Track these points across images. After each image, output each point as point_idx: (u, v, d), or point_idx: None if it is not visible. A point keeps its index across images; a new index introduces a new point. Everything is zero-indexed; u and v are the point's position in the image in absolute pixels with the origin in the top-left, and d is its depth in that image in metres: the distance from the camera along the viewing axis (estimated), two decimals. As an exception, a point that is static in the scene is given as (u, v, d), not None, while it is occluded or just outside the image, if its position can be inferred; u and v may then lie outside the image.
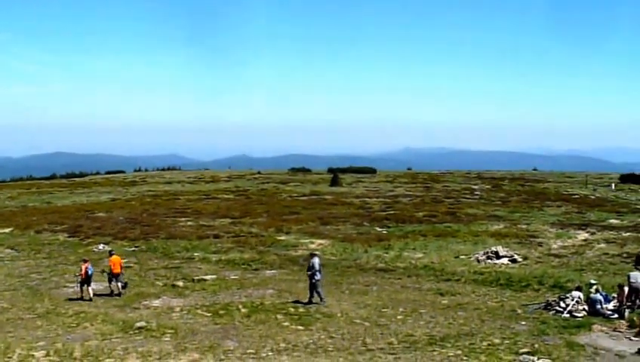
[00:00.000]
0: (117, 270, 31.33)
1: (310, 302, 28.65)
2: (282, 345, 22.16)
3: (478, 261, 40.45)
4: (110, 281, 31.51)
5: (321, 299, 28.72)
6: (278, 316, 26.38)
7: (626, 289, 28.00)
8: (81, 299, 30.23)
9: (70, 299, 30.31)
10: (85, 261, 31.33)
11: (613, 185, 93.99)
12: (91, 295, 30.33)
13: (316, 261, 29.17)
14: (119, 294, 31.05)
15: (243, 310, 27.34)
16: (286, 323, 25.21)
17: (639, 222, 58.24)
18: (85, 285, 30.62)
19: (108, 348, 21.61)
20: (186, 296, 30.87)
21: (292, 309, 27.55)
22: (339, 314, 26.69)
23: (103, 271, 31.97)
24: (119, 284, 31.42)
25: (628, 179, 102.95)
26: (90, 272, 30.57)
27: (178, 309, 27.79)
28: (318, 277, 28.85)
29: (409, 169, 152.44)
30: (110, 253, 33.13)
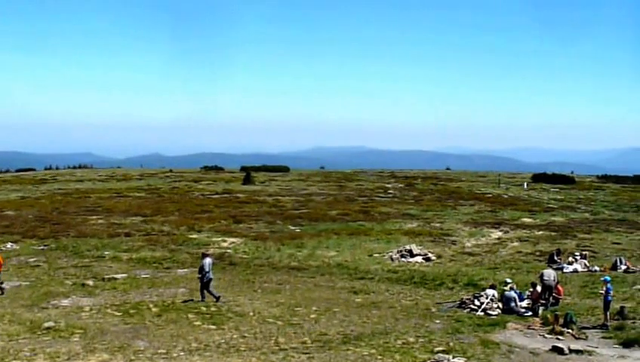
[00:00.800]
0: None
1: (202, 300, 28.47)
2: (194, 344, 21.76)
3: (392, 259, 40.68)
4: None
5: (216, 298, 28.54)
6: (190, 315, 25.97)
7: (539, 287, 28.51)
8: None
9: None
10: None
11: (525, 184, 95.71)
12: None
13: (207, 261, 29.21)
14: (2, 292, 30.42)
15: (154, 309, 26.84)
16: (198, 323, 24.83)
17: (552, 220, 59.67)
18: None
19: (14, 349, 20.81)
20: (96, 295, 30.16)
21: (204, 308, 27.16)
22: (251, 313, 26.42)
23: None
24: None
25: (540, 178, 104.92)
26: None
27: (87, 309, 27.08)
28: (208, 277, 28.83)
29: (322, 168, 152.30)
30: None
